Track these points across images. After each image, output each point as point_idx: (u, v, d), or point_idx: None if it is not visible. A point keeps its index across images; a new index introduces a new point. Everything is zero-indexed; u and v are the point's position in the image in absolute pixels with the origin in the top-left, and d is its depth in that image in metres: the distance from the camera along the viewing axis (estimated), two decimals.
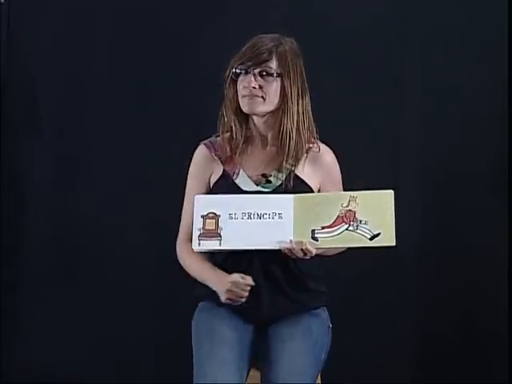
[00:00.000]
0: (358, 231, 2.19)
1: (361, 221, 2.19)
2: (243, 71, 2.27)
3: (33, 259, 3.34)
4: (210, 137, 2.39)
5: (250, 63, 2.26)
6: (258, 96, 2.27)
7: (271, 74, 2.26)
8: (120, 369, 3.30)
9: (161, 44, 3.27)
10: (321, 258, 2.28)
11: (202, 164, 2.37)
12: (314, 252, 2.19)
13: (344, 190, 2.36)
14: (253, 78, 2.26)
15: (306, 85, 2.32)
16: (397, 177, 3.19)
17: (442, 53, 3.19)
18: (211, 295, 2.30)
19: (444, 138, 3.19)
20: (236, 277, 2.21)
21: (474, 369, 3.17)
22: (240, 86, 2.28)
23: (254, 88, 2.26)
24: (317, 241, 2.19)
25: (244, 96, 2.28)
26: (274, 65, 2.27)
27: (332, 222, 2.20)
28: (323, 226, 2.20)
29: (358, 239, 2.18)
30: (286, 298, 2.28)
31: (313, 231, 2.20)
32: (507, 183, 3.14)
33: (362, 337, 3.19)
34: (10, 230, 3.32)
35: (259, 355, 2.25)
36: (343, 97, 3.16)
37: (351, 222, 2.19)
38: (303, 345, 2.22)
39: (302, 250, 2.18)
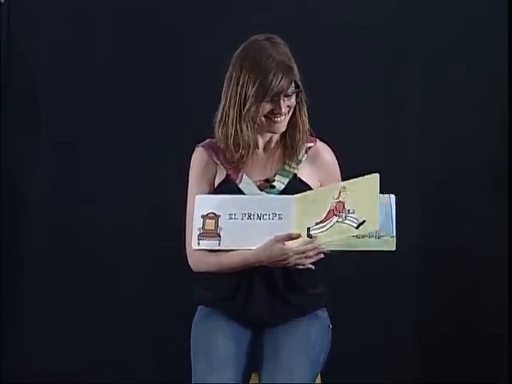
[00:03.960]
0: (346, 221, 2.15)
1: (349, 210, 2.15)
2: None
3: (33, 259, 3.34)
4: (205, 140, 2.37)
5: (278, 94, 2.21)
6: (285, 116, 2.26)
7: (293, 94, 2.25)
8: (120, 369, 3.30)
9: (161, 44, 3.26)
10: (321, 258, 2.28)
11: (204, 166, 2.34)
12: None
13: None
14: (283, 105, 2.23)
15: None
16: (397, 177, 3.18)
17: (442, 53, 3.19)
18: (210, 299, 2.31)
19: (444, 138, 3.19)
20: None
21: (474, 369, 3.17)
22: (265, 110, 2.23)
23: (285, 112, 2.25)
24: (311, 237, 2.17)
25: (270, 119, 2.25)
26: (293, 84, 2.25)
27: (324, 216, 2.18)
28: (317, 221, 2.18)
29: (346, 229, 2.14)
30: (286, 303, 2.27)
31: (308, 229, 2.18)
32: (507, 183, 3.14)
33: (362, 337, 3.19)
34: (9, 230, 3.31)
35: (258, 357, 2.24)
36: (342, 97, 3.16)
37: (340, 214, 2.16)
38: (302, 346, 2.22)
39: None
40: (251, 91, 2.21)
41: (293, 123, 2.30)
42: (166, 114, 3.27)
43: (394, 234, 2.17)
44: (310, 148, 2.34)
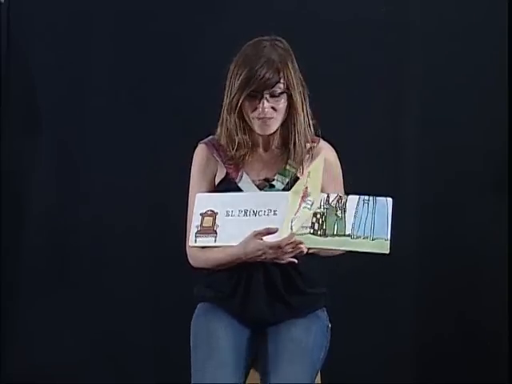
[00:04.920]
0: (307, 205, 2.16)
1: (309, 194, 2.17)
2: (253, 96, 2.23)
3: (32, 259, 3.34)
4: (207, 137, 2.38)
5: (261, 88, 2.21)
6: (271, 117, 2.25)
7: (281, 93, 2.24)
8: (120, 369, 3.30)
9: (161, 44, 3.26)
10: (320, 258, 2.28)
11: (205, 164, 2.35)
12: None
13: (344, 190, 2.36)
14: (266, 103, 2.22)
15: (303, 82, 2.30)
16: (396, 177, 3.19)
17: (442, 53, 3.19)
18: (210, 296, 2.31)
19: (444, 139, 3.19)
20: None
21: (474, 369, 3.17)
22: (250, 109, 2.25)
23: (268, 111, 2.24)
24: (292, 230, 2.15)
25: (256, 118, 2.25)
26: (282, 82, 2.24)
27: (298, 205, 2.18)
28: (295, 212, 2.17)
29: (306, 214, 2.15)
30: (285, 303, 2.27)
31: (291, 221, 2.17)
32: (507, 183, 3.14)
33: (362, 337, 3.19)
34: (9, 230, 3.32)
35: (258, 356, 2.25)
36: (342, 97, 3.16)
37: (305, 199, 2.17)
38: (302, 345, 2.22)
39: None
40: (237, 83, 2.23)
41: (291, 124, 2.29)
42: (166, 114, 3.27)
43: (389, 237, 2.15)
44: (312, 148, 2.34)
